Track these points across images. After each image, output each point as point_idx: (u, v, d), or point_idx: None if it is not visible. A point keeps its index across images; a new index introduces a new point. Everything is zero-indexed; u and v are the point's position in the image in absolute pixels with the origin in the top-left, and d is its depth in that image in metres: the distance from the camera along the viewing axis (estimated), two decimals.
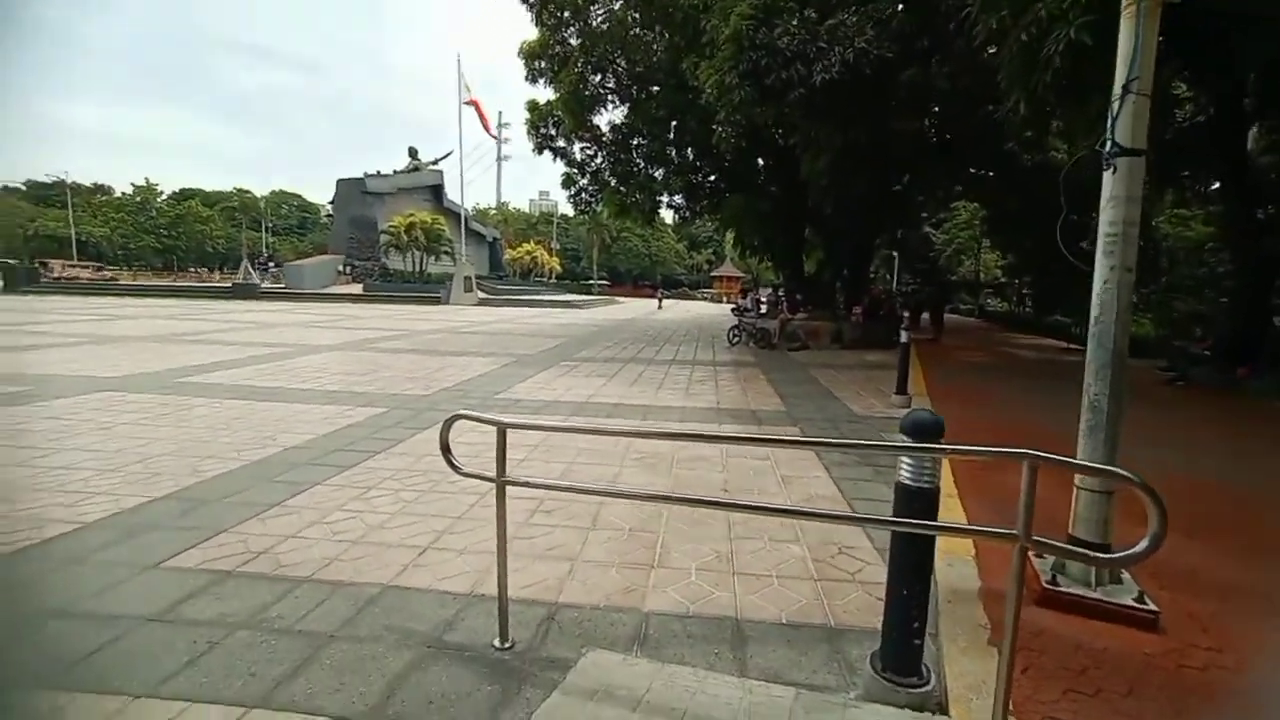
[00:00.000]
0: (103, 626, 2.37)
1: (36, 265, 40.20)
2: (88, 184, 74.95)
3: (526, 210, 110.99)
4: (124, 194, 76.87)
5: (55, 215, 64.44)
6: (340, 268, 36.93)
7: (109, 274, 50.86)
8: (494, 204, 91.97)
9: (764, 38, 9.35)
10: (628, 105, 17.13)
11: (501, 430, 2.31)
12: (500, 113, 38.06)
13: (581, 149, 17.25)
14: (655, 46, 15.37)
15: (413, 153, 45.33)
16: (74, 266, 49.03)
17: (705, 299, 67.41)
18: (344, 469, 4.45)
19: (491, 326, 18.53)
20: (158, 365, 8.81)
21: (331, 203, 44.25)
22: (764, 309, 17.07)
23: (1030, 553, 1.83)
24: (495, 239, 57.32)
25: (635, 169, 17.71)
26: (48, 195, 69.30)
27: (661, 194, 18.36)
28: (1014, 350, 16.05)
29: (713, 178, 19.05)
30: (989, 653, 2.25)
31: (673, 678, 2.20)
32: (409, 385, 7.99)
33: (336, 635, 2.38)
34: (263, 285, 33.52)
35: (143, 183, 77.39)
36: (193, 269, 64.75)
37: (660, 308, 40.06)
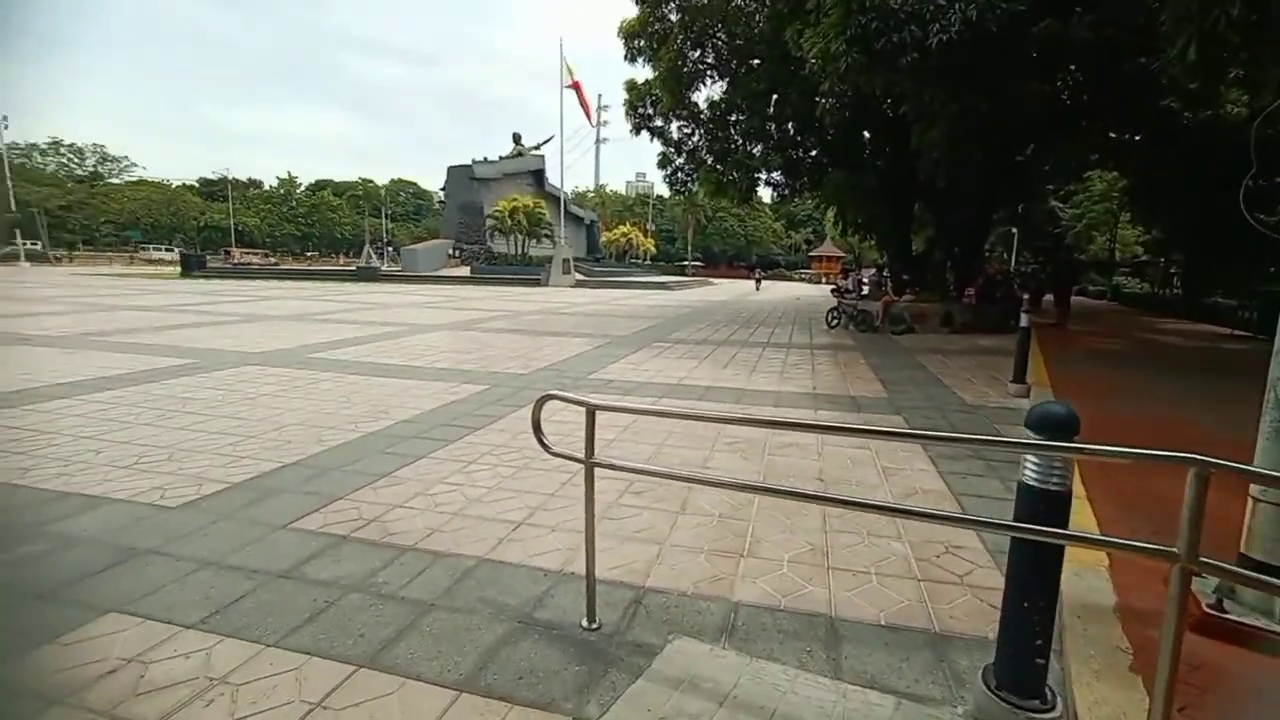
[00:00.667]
0: (244, 579, 2.65)
1: (214, 253, 46.54)
2: (243, 179, 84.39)
3: (623, 192, 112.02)
4: (270, 187, 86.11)
5: (219, 208, 73.39)
6: (450, 251, 39.23)
7: (273, 259, 57.88)
8: (592, 186, 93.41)
9: None
10: (727, 80, 16.64)
11: (591, 411, 2.30)
12: (599, 96, 38.63)
13: (679, 127, 17.01)
14: (757, 17, 14.75)
15: (516, 138, 46.93)
16: (249, 253, 56.70)
17: (803, 279, 64.94)
18: (447, 443, 4.71)
19: (588, 308, 18.93)
20: (293, 342, 9.79)
21: (443, 189, 46.95)
22: (866, 290, 16.14)
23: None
24: (593, 221, 58.35)
25: (733, 146, 17.22)
26: (213, 190, 78.95)
27: (759, 171, 17.75)
28: (1158, 337, 14.09)
29: (814, 153, 18.12)
30: (1130, 681, 1.97)
31: (761, 673, 2.12)
32: (510, 364, 8.33)
33: (436, 604, 2.50)
34: (383, 268, 36.33)
35: (285, 176, 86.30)
36: (323, 253, 71.20)
37: (758, 289, 39.20)
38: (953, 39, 7.97)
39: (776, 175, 19.18)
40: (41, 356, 8.07)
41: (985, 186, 14.80)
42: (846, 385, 7.60)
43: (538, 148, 48.74)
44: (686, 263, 77.85)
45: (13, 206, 49.18)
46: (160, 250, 56.18)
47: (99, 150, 79.16)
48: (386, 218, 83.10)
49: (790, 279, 48.34)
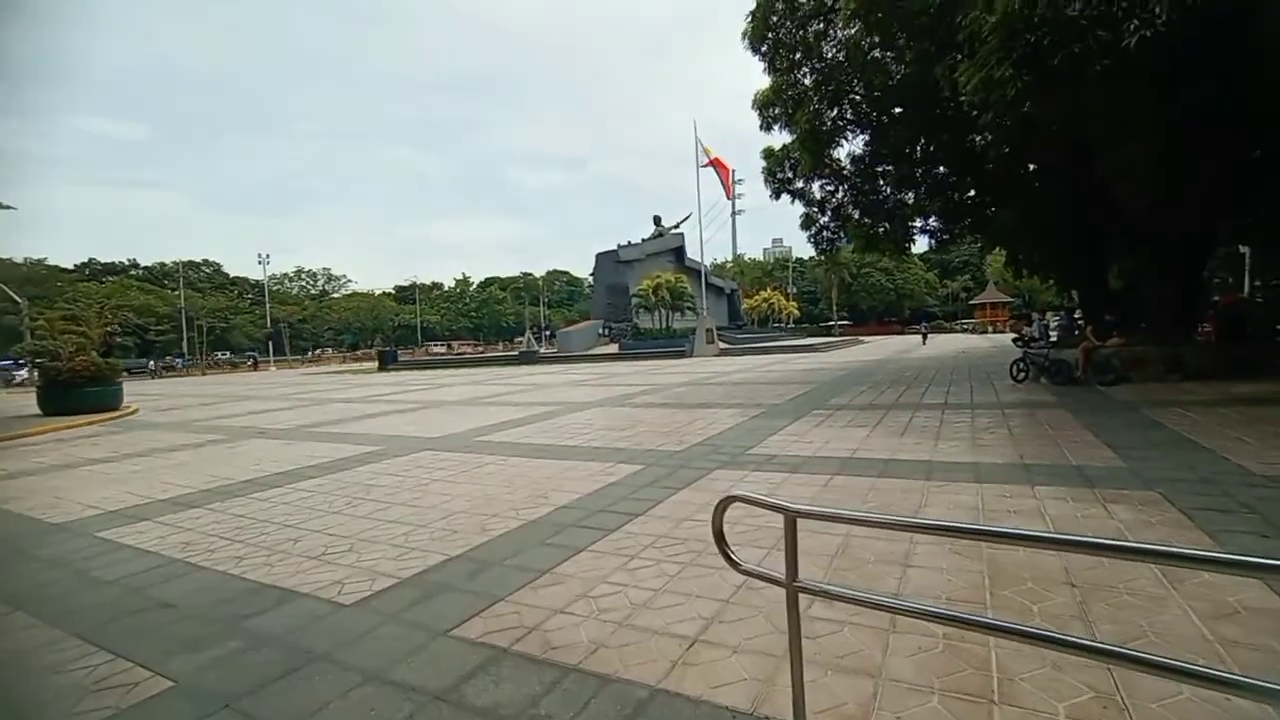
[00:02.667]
0: (403, 698, 2.45)
1: (405, 348, 54.09)
2: (427, 283, 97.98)
3: (761, 259, 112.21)
4: (448, 288, 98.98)
5: (409, 309, 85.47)
6: (600, 330, 41.37)
7: (473, 347, 65.99)
8: (730, 256, 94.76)
9: (1046, 11, 7.71)
10: (868, 133, 15.98)
11: (791, 519, 1.81)
12: (733, 170, 39.45)
13: (821, 186, 16.50)
14: (895, 66, 14.14)
15: (656, 220, 49.44)
16: (459, 344, 65.94)
17: (965, 330, 58.52)
18: (607, 532, 4.40)
19: (734, 376, 18.42)
20: (463, 426, 10.45)
21: (592, 274, 50.42)
22: (1054, 336, 13.77)
23: None
24: (733, 290, 58.65)
25: (881, 197, 16.27)
26: (404, 294, 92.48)
27: (914, 220, 16.49)
28: None
29: (971, 193, 16.50)
30: None
31: None
32: (662, 441, 8.04)
33: None
34: (541, 351, 39.16)
35: (460, 276, 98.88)
36: (489, 341, 79.08)
37: (924, 342, 36.31)
38: (1159, 31, 6.72)
39: (932, 221, 17.71)
40: (270, 448, 9.36)
41: (1203, 201, 12.19)
42: (1063, 452, 6.20)
43: (676, 226, 50.84)
44: (833, 323, 74.63)
45: (269, 324, 61.40)
46: (361, 350, 66.39)
47: (326, 272, 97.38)
48: (544, 305, 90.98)
49: (948, 330, 43.65)
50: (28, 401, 18.20)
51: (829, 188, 16.56)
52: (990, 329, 62.36)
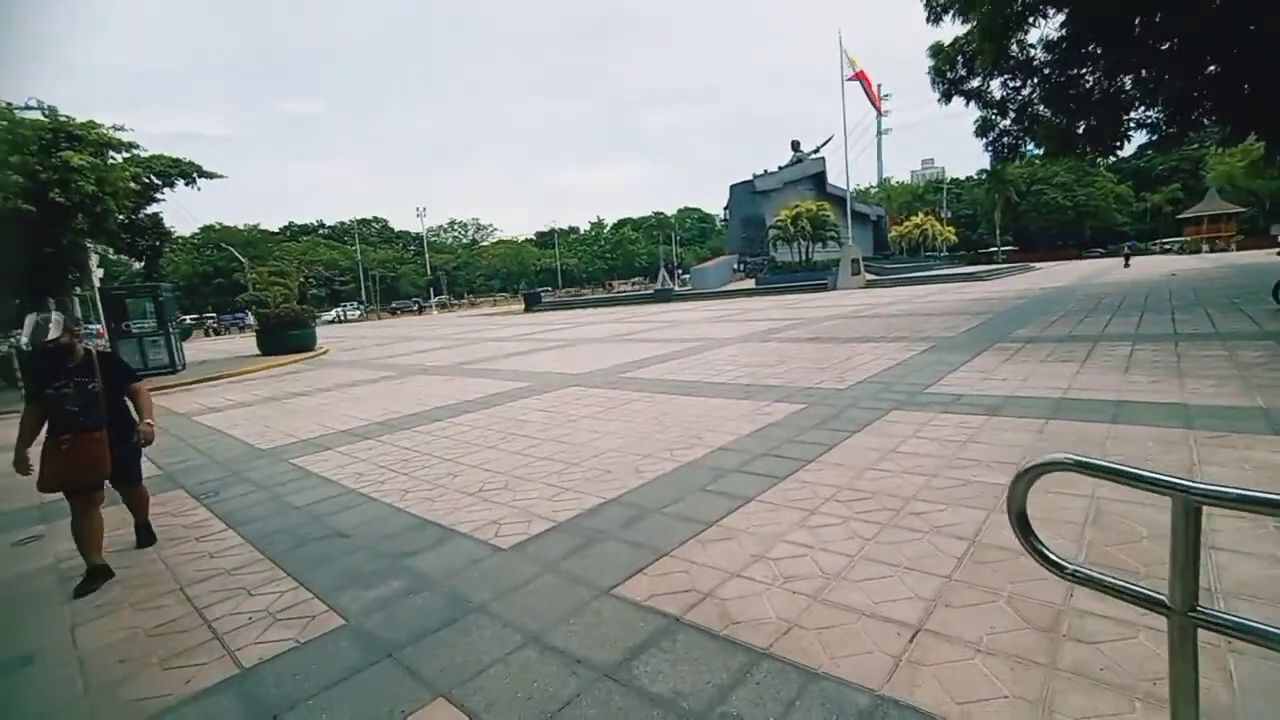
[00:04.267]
0: (569, 672, 2.13)
1: (547, 291, 56.89)
2: (564, 228, 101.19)
3: (909, 182, 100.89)
4: (584, 230, 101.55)
5: (549, 254, 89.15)
6: (735, 266, 39.87)
7: (633, 285, 67.35)
8: (875, 181, 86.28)
9: None
10: (1066, 10, 12.73)
11: (1193, 507, 1.10)
12: (879, 85, 34.50)
13: (1003, 83, 13.67)
14: None
15: (795, 146, 45.74)
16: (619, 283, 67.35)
17: (1167, 250, 47.90)
18: (776, 480, 3.84)
19: (888, 308, 16.60)
20: (605, 363, 10.35)
21: (726, 207, 48.44)
22: None
23: None
24: (880, 217, 53.43)
25: (1085, 88, 13.12)
26: (544, 239, 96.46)
27: (1130, 110, 13.17)
28: None
29: (1216, 68, 12.60)
30: None
31: None
32: (820, 377, 7.23)
33: None
34: (676, 289, 38.74)
35: (595, 220, 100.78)
36: (627, 281, 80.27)
37: (1127, 265, 31.49)
38: None
39: (1154, 112, 13.98)
40: (431, 383, 9.96)
41: None
42: None
43: (816, 151, 46.71)
44: (995, 249, 65.50)
45: (429, 272, 67.44)
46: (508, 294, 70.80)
47: (475, 222, 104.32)
48: (676, 243, 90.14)
49: (1141, 252, 35.70)
50: (251, 343, 21.45)
51: (1014, 84, 13.67)
52: (1207, 247, 50.67)
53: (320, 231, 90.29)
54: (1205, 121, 13.41)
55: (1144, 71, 11.91)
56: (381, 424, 6.90)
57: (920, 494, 3.41)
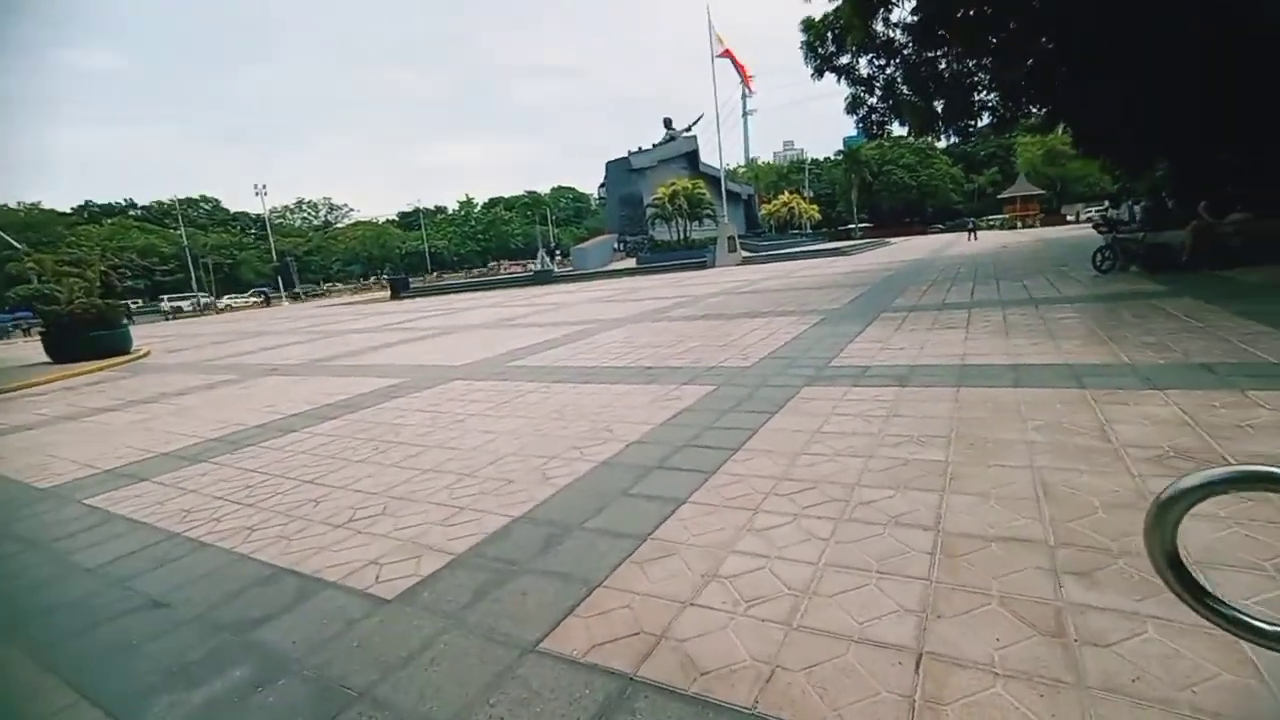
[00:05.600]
0: None
1: (415, 276, 52.60)
2: (431, 207, 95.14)
3: (773, 162, 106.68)
4: (452, 211, 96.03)
5: (415, 235, 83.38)
6: (615, 245, 39.56)
7: (513, 266, 62.91)
8: (743, 161, 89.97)
9: None
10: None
11: None
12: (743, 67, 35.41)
13: (869, 61, 14.36)
14: None
15: (667, 123, 46.05)
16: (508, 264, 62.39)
17: (991, 226, 55.12)
18: (705, 474, 3.45)
19: (768, 283, 17.12)
20: (490, 351, 9.48)
21: (602, 185, 47.79)
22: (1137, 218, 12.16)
23: None
24: (750, 195, 55.75)
25: (938, 69, 14.14)
26: (409, 221, 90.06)
27: (978, 93, 14.43)
28: None
29: (1036, 61, 14.15)
30: None
31: None
32: (722, 355, 7.01)
33: None
34: (555, 270, 37.68)
35: (464, 198, 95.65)
36: (501, 262, 77.46)
37: (972, 239, 35.30)
38: None
39: (993, 98, 15.50)
40: (282, 385, 8.52)
41: None
42: (1239, 347, 5.04)
43: (688, 129, 47.42)
44: (852, 226, 71.33)
45: (274, 258, 60.19)
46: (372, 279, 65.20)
47: (328, 202, 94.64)
48: (551, 223, 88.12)
49: (974, 228, 40.86)
50: (38, 349, 17.57)
51: (879, 62, 14.42)
52: (1020, 224, 58.96)
53: (131, 212, 77.22)
54: (1031, 109, 15.04)
55: (986, 59, 12.99)
56: (219, 440, 5.64)
57: (863, 479, 3.16)
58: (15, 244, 36.12)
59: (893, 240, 48.68)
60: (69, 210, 70.67)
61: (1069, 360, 5.13)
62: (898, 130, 16.71)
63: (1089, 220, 55.08)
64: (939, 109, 14.22)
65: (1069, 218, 62.31)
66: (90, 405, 8.67)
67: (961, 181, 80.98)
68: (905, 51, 14.18)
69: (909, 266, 18.55)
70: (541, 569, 2.60)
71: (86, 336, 15.22)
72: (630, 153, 41.57)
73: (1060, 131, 17.50)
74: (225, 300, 53.29)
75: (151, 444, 5.80)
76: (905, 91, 14.45)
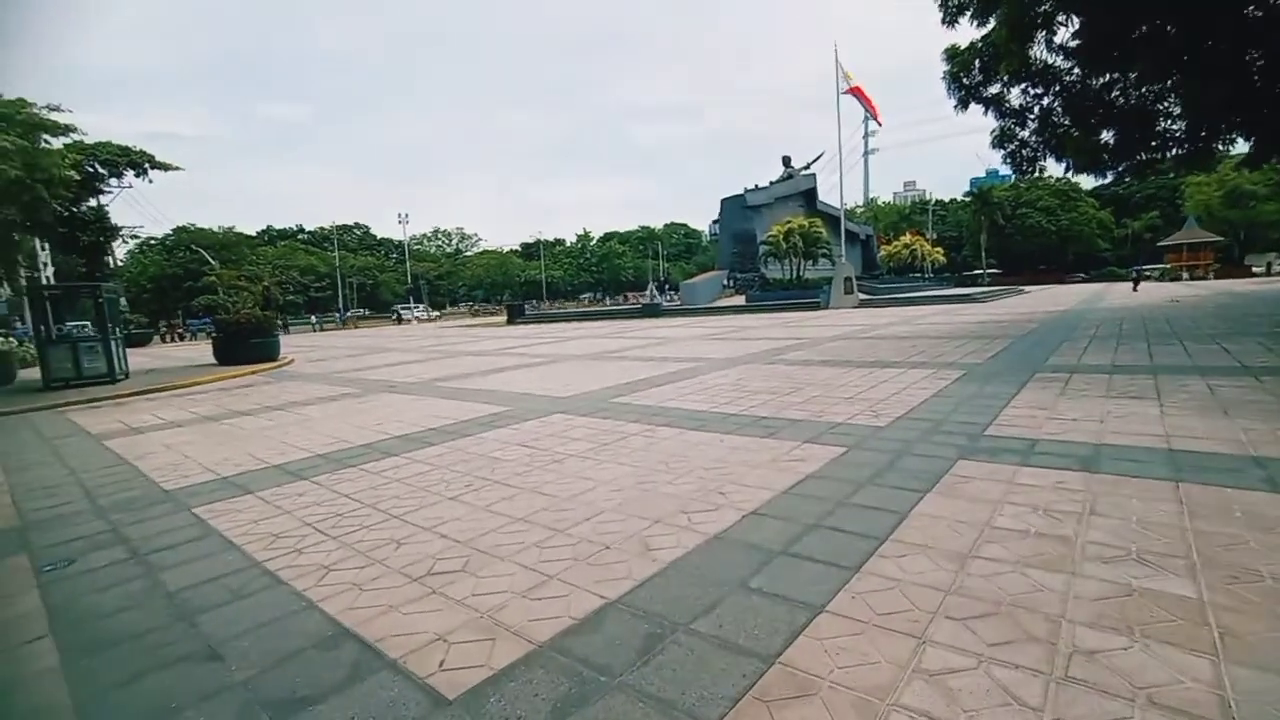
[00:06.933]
0: None
1: (531, 302, 55.43)
2: (550, 239, 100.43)
3: (894, 202, 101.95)
4: (570, 243, 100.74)
5: (534, 265, 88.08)
6: (725, 282, 39.08)
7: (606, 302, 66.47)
8: (861, 201, 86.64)
9: None
10: (1082, 19, 12.07)
11: None
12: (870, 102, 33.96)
13: (1022, 91, 12.96)
14: None
15: (785, 161, 45.41)
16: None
17: (1147, 277, 47.39)
18: (846, 572, 2.74)
19: (892, 329, 15.73)
20: (595, 384, 9.21)
21: (716, 222, 47.76)
22: None
23: None
24: (869, 236, 53.33)
25: (1110, 96, 12.45)
26: (529, 251, 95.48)
27: (1159, 124, 12.53)
28: None
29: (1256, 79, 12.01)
30: None
31: None
32: (849, 410, 6.17)
33: None
34: (664, 304, 37.79)
35: (581, 232, 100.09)
36: (611, 296, 79.50)
37: (1136, 289, 32.01)
38: None
39: (1179, 126, 13.39)
40: (396, 404, 8.73)
41: None
42: None
43: (807, 167, 46.50)
44: (980, 271, 65.79)
45: (409, 280, 65.90)
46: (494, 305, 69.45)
47: (460, 231, 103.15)
48: (663, 258, 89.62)
49: (1139, 278, 35.32)
50: (208, 352, 19.94)
51: (1035, 91, 12.97)
52: (1186, 274, 51.06)
53: (299, 236, 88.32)
54: (1235, 138, 12.81)
55: (1174, 78, 11.20)
56: (325, 457, 5.68)
57: (1070, 610, 2.32)
58: (210, 260, 42.15)
59: (1028, 288, 44.09)
60: (254, 234, 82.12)
61: None
62: (1052, 168, 14.80)
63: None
64: (1107, 141, 12.45)
65: (1256, 269, 53.41)
66: (233, 407, 9.38)
67: (1111, 226, 72.49)
68: (1067, 78, 12.65)
69: (1056, 318, 16.32)
70: (636, 687, 2.04)
71: (247, 343, 17.00)
72: (746, 189, 41.28)
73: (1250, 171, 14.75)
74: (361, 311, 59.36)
75: (269, 453, 5.96)
76: (1065, 123, 12.83)
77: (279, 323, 21.14)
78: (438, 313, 66.92)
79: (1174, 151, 13.11)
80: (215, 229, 70.34)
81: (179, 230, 63.02)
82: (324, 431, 6.92)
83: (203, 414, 8.97)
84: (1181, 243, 54.72)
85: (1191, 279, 49.22)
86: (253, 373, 15.02)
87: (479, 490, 4.34)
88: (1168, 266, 54.21)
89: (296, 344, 27.46)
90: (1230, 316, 14.25)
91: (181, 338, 42.67)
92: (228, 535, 3.76)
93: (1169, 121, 12.55)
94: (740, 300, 34.78)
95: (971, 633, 2.22)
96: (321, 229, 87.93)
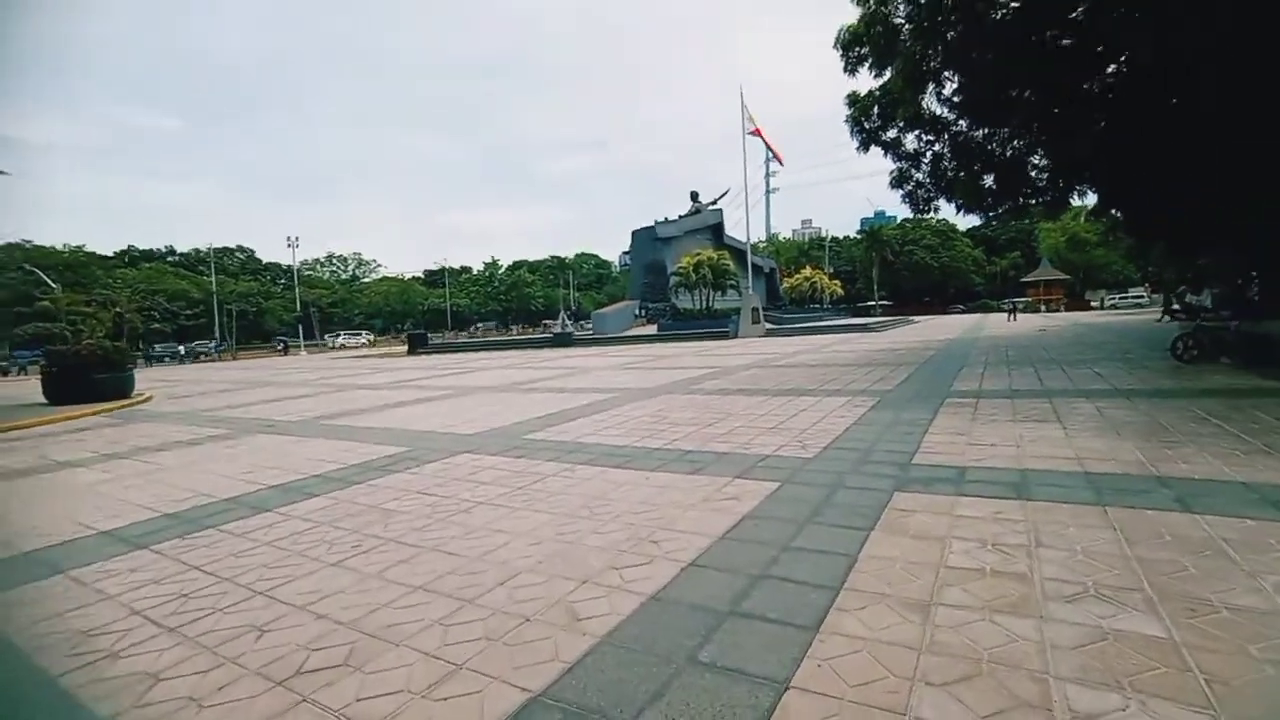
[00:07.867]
0: None
1: (434, 332, 52.94)
2: (456, 267, 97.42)
3: (793, 239, 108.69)
4: (477, 271, 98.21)
5: (438, 293, 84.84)
6: (636, 311, 39.31)
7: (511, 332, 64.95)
8: (764, 236, 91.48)
9: None
10: (965, 78, 13.34)
11: None
12: (766, 147, 36.35)
13: (916, 137, 14.00)
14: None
15: (694, 196, 46.95)
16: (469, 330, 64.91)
17: (1016, 309, 53.70)
18: (805, 632, 2.40)
19: (800, 357, 16.24)
20: (505, 419, 8.56)
21: (626, 253, 48.53)
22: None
23: None
24: (772, 269, 56.03)
25: (989, 147, 13.70)
26: (433, 279, 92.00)
27: (1030, 172, 13.95)
28: None
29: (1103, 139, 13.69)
30: None
31: None
32: (775, 440, 6.00)
33: None
34: (575, 333, 37.29)
35: (489, 260, 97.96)
36: (521, 325, 78.02)
37: (1011, 319, 35.60)
38: None
39: (1044, 177, 14.98)
40: (272, 447, 7.62)
41: None
42: None
43: (714, 202, 48.32)
44: (872, 303, 71.24)
45: (299, 308, 61.04)
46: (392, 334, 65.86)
47: (357, 257, 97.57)
48: (573, 288, 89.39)
49: (1014, 310, 40.12)
50: (37, 389, 17.01)
51: (927, 138, 14.06)
52: (1044, 307, 58.47)
53: (169, 259, 79.74)
54: (1085, 189, 14.46)
55: (1042, 136, 12.49)
56: (175, 517, 4.69)
57: (1054, 663, 2.10)
58: (50, 282, 36.70)
59: (916, 318, 48.07)
60: (111, 254, 73.09)
61: (1240, 477, 4.04)
62: (945, 208, 16.11)
63: (1113, 306, 54.26)
64: (990, 185, 13.68)
65: (1093, 304, 61.66)
66: (59, 458, 7.81)
67: (983, 263, 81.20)
68: (954, 129, 13.82)
69: (948, 346, 17.62)
70: None
71: (89, 379, 14.62)
72: (657, 222, 42.14)
73: (1087, 219, 16.90)
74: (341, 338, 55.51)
75: (96, 516, 4.85)
76: (953, 167, 13.99)
77: (135, 354, 18.51)
78: (371, 338, 63.14)
79: (1039, 199, 14.69)
80: (59, 247, 61.88)
81: (5, 248, 54.02)
82: (175, 484, 5.81)
83: (16, 466, 7.38)
84: (1039, 279, 62.39)
85: (1048, 310, 55.92)
86: (94, 413, 12.87)
87: (369, 552, 3.65)
88: (1029, 299, 61.38)
89: (160, 378, 24.25)
90: (1089, 343, 15.94)
91: (4, 372, 36.56)
92: (10, 637, 2.85)
93: (1036, 172, 14.03)
94: (652, 329, 35.05)
95: (959, 702, 1.94)
96: (196, 250, 79.98)
